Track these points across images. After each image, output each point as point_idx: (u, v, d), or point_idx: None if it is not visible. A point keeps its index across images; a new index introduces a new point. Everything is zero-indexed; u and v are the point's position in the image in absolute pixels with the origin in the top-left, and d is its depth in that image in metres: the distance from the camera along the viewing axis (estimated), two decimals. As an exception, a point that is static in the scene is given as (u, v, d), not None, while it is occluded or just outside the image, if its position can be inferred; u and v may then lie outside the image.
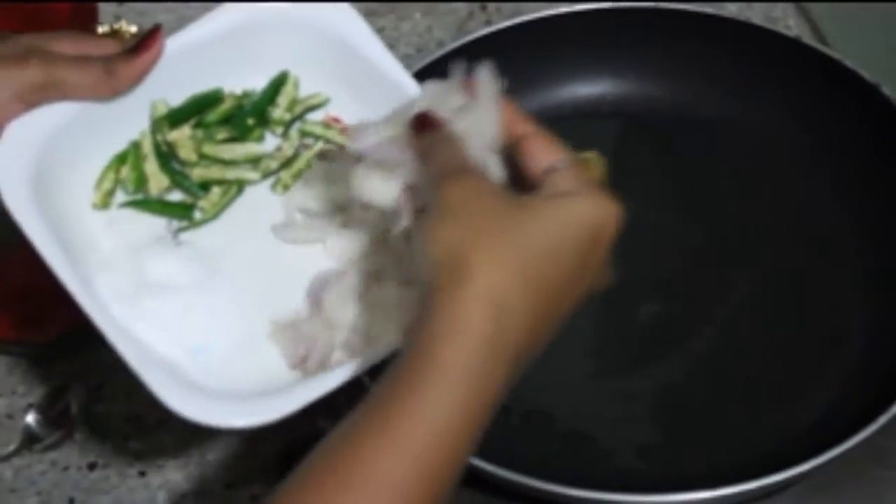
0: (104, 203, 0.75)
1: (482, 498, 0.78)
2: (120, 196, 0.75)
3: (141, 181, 0.75)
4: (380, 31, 1.14)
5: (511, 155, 0.64)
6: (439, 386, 0.56)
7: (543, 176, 0.62)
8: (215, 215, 0.76)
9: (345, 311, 0.72)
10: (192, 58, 0.75)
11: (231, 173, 0.77)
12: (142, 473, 0.90)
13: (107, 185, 0.75)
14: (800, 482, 0.74)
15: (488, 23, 1.15)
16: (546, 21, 0.95)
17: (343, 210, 0.76)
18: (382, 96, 0.75)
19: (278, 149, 0.78)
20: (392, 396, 0.57)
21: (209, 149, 0.77)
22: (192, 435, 0.90)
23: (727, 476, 0.71)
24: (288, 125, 0.78)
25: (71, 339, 0.94)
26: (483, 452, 0.72)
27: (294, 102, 0.79)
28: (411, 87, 0.75)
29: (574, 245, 0.59)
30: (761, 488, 0.71)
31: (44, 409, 0.91)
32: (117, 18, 1.16)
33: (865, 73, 0.90)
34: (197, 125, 0.77)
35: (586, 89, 0.97)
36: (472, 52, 0.92)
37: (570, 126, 0.95)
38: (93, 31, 0.93)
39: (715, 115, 0.95)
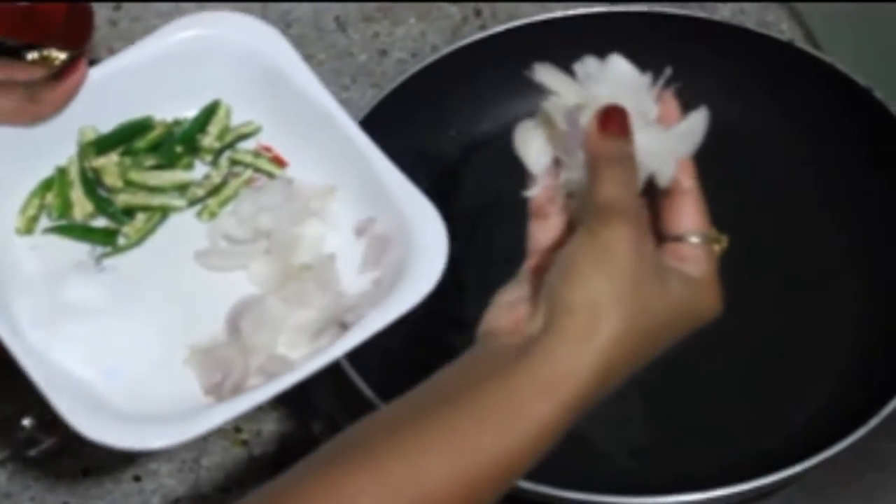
0: (28, 228, 0.75)
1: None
2: (45, 221, 0.76)
3: (66, 207, 0.76)
4: (374, 36, 1.15)
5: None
6: (523, 434, 0.56)
7: (675, 239, 0.62)
8: (139, 241, 0.76)
9: (262, 336, 0.72)
10: (123, 85, 0.76)
11: (156, 200, 0.77)
12: (136, 478, 0.90)
13: (31, 210, 0.75)
14: (792, 484, 0.74)
15: (483, 28, 1.15)
16: (540, 25, 0.95)
17: (267, 236, 0.76)
18: (314, 126, 0.76)
19: (206, 177, 0.79)
20: (462, 413, 0.56)
21: (135, 175, 0.77)
22: (187, 439, 0.91)
23: (719, 478, 0.71)
24: (217, 153, 0.79)
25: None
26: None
27: (225, 131, 0.79)
28: (342, 117, 0.75)
29: (681, 331, 0.61)
30: (753, 490, 0.71)
31: (38, 415, 0.91)
32: (113, 24, 1.16)
33: (858, 78, 0.90)
34: (125, 152, 0.78)
35: (580, 94, 0.97)
36: (466, 57, 0.93)
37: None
38: (22, 58, 0.93)
39: (709, 120, 0.95)
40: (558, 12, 0.96)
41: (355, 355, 0.76)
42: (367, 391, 0.76)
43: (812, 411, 0.80)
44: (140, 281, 0.74)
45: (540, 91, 0.63)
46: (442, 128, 0.95)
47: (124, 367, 0.71)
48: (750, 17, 1.14)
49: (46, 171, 0.76)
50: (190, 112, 0.79)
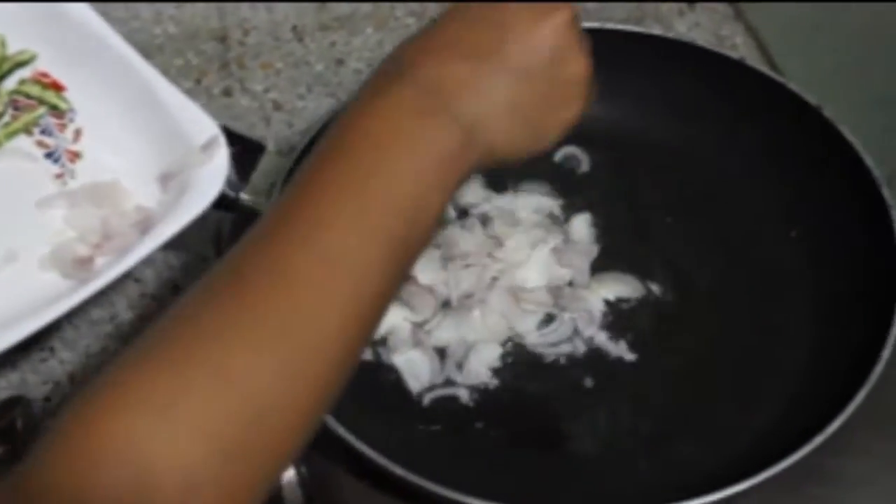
0: None
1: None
2: None
3: None
4: (330, 45, 1.15)
5: None
6: (369, 155, 0.55)
7: None
8: None
9: None
10: None
11: None
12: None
13: None
14: (736, 502, 0.74)
15: (439, 38, 1.16)
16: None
17: None
18: (88, 49, 0.78)
19: None
20: (312, 185, 0.55)
21: None
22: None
23: (664, 496, 0.72)
24: None
25: (16, 350, 0.93)
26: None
27: (2, 60, 0.80)
28: (114, 39, 0.78)
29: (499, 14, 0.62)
30: (698, 507, 0.72)
31: (-10, 423, 0.91)
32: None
33: (808, 96, 0.91)
34: None
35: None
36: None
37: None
38: None
39: (661, 136, 0.96)
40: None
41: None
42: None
43: (759, 429, 0.80)
44: None
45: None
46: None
47: None
48: (705, 32, 1.15)
49: None
50: None
